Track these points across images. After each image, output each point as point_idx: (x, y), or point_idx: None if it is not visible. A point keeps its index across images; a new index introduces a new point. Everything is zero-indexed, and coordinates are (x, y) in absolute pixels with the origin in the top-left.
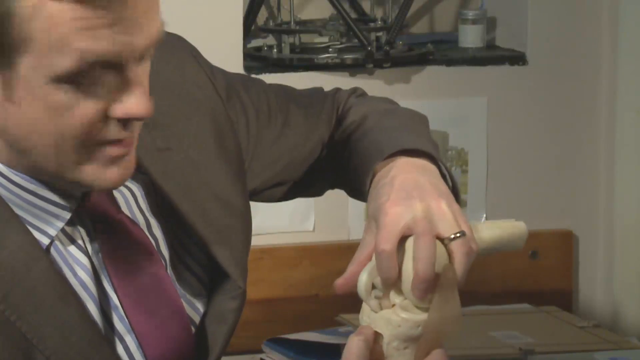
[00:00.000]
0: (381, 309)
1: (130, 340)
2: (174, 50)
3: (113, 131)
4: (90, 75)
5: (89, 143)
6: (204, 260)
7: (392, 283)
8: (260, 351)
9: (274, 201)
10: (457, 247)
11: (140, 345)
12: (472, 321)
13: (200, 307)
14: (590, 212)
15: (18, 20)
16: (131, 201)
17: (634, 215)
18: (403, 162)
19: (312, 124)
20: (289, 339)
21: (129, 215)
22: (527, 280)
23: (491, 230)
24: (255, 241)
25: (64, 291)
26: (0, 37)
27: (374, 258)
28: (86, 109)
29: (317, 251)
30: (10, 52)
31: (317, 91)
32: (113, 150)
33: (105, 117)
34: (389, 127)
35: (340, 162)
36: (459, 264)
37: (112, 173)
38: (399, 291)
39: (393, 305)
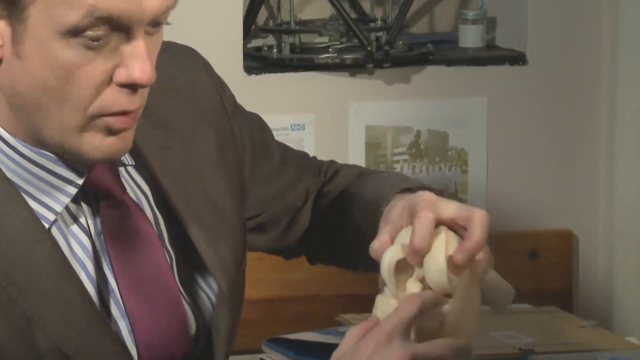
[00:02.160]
0: (397, 301)
1: (123, 325)
2: (189, 60)
3: (117, 100)
4: (99, 35)
5: (93, 110)
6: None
7: (419, 261)
8: (260, 351)
9: (254, 250)
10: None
11: (133, 330)
12: None
13: (199, 312)
14: (590, 212)
15: None
16: (140, 196)
17: (634, 215)
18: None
19: (303, 172)
20: (289, 339)
21: (135, 200)
22: (527, 280)
23: (494, 275)
24: None
25: (66, 271)
26: None
27: (398, 245)
28: (93, 70)
29: None
30: (23, 2)
31: (301, 151)
32: (115, 121)
33: (110, 83)
34: (389, 176)
35: (333, 214)
36: (481, 227)
37: (109, 143)
38: (417, 281)
39: None
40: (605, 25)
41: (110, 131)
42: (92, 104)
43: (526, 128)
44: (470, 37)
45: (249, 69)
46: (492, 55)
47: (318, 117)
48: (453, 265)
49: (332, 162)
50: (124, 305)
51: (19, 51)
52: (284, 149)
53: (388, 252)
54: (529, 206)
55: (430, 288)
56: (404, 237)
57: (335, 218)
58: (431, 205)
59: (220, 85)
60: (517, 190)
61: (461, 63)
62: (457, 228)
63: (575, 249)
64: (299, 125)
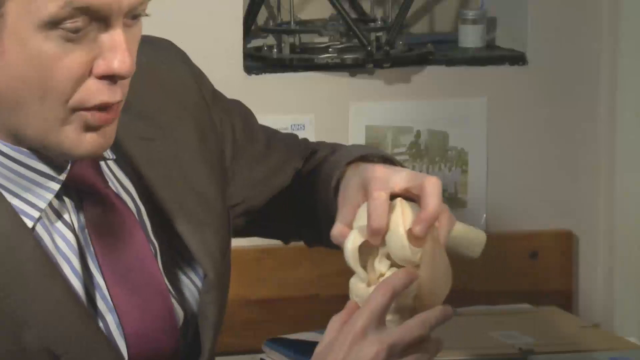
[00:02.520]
0: (368, 286)
1: (111, 319)
2: (166, 52)
3: (97, 92)
4: (77, 27)
5: (73, 103)
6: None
7: (380, 240)
8: (260, 351)
9: (241, 235)
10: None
11: (121, 324)
12: (472, 321)
13: (185, 301)
14: (590, 212)
15: None
16: (122, 189)
17: (634, 215)
18: (369, 164)
19: (290, 154)
20: (289, 339)
21: (116, 192)
22: (527, 280)
23: (461, 227)
24: (256, 241)
25: (51, 269)
26: None
27: (356, 229)
28: (72, 62)
29: (317, 251)
30: None
31: (291, 133)
32: (93, 117)
33: (90, 75)
34: (355, 147)
35: (304, 189)
36: (434, 195)
37: (91, 139)
38: (383, 259)
39: (379, 278)
40: (605, 25)
41: (89, 127)
42: (72, 97)
43: (526, 128)
44: (470, 37)
45: (249, 69)
46: (492, 55)
47: (318, 117)
48: (414, 237)
49: (318, 144)
50: (111, 299)
51: None
52: (270, 132)
53: (349, 239)
54: (529, 206)
55: (398, 264)
56: (362, 216)
57: (304, 194)
58: (383, 182)
59: (198, 75)
60: (517, 190)
61: (461, 63)
62: (412, 196)
63: (575, 249)
64: (299, 125)
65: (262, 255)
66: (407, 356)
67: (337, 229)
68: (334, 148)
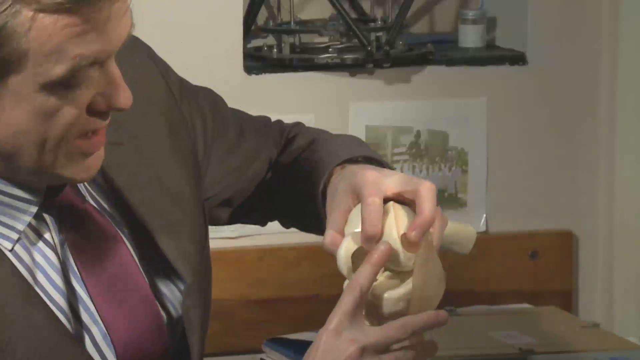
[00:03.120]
0: None
1: (96, 330)
2: (132, 49)
3: (90, 122)
4: (79, 76)
5: (70, 137)
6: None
7: (374, 246)
8: (260, 351)
9: (220, 224)
10: (424, 189)
11: (108, 334)
12: (472, 321)
13: (169, 305)
14: (590, 212)
15: (12, 36)
16: (96, 198)
17: (634, 215)
18: (359, 165)
19: (263, 141)
20: (289, 339)
21: (95, 206)
22: (527, 280)
23: (451, 225)
24: (256, 241)
25: (29, 293)
26: None
27: (349, 236)
28: (73, 108)
29: (317, 251)
30: (4, 68)
31: (264, 117)
32: (90, 143)
33: (88, 111)
34: (339, 143)
35: (285, 182)
36: (429, 200)
37: (88, 163)
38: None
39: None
40: (605, 25)
41: (86, 154)
42: (71, 134)
43: (526, 128)
44: (470, 37)
45: (249, 69)
46: (492, 55)
47: (318, 117)
48: (407, 243)
49: (295, 126)
50: (96, 310)
51: None
52: (242, 120)
53: (342, 247)
54: (529, 206)
55: (389, 267)
56: (354, 221)
57: (285, 187)
58: (375, 187)
59: (164, 70)
60: (517, 191)
61: (461, 63)
62: (405, 200)
63: (575, 249)
64: None
65: (262, 255)
66: (384, 356)
67: (329, 238)
68: (312, 136)
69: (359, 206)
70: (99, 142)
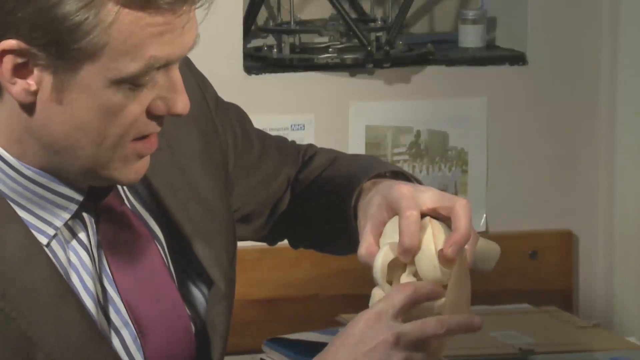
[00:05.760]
0: None
1: (126, 333)
2: None
3: (147, 126)
4: (147, 77)
5: (127, 137)
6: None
7: (411, 258)
8: (260, 351)
9: (238, 239)
10: (460, 206)
11: (140, 336)
12: None
13: (195, 312)
14: (590, 212)
15: (95, 28)
16: (135, 202)
17: (634, 215)
18: (392, 180)
19: (283, 160)
20: (289, 339)
21: (132, 208)
22: (527, 280)
23: (480, 242)
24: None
25: (63, 289)
26: (73, 43)
27: (386, 246)
28: (135, 107)
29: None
30: (79, 58)
31: (281, 136)
32: (143, 147)
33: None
34: (363, 160)
35: (307, 199)
36: (465, 217)
37: (137, 168)
38: (410, 276)
39: None
40: (605, 25)
41: (139, 156)
42: (128, 135)
43: (526, 128)
44: (470, 37)
45: (249, 69)
46: (492, 55)
47: (318, 117)
48: (443, 258)
49: (310, 147)
50: (128, 312)
51: (62, 98)
52: (263, 137)
53: (379, 257)
54: (529, 206)
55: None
56: (390, 233)
57: (308, 205)
58: (412, 200)
59: (202, 81)
60: (517, 190)
61: (461, 63)
62: (439, 216)
63: (575, 249)
64: (299, 125)
65: (262, 255)
66: (416, 352)
67: (364, 248)
68: (332, 155)
69: (394, 219)
70: (153, 146)
